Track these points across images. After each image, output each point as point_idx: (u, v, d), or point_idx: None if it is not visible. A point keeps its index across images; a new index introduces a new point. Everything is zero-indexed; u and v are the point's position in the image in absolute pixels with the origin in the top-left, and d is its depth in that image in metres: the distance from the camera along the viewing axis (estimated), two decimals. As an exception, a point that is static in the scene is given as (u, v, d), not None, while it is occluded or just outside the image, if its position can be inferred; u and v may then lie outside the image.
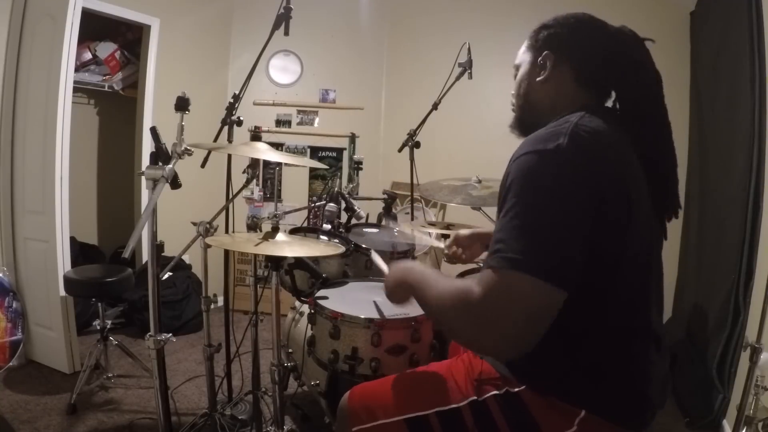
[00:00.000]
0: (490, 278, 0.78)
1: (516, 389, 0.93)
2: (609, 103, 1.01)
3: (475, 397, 0.98)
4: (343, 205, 2.22)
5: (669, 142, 0.97)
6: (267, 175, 3.86)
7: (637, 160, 0.90)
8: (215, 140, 1.94)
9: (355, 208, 2.20)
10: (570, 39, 0.99)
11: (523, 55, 1.07)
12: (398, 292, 1.09)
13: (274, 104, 3.84)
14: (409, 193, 2.51)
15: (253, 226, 1.82)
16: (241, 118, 1.93)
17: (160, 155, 1.18)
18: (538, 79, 1.02)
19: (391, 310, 1.50)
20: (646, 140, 0.93)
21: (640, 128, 0.93)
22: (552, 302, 0.77)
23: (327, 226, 2.12)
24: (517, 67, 1.09)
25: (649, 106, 0.94)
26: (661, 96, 0.95)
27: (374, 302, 1.58)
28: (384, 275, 1.19)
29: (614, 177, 0.83)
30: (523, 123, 1.08)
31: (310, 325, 1.63)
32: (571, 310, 0.82)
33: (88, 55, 3.38)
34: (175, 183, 1.17)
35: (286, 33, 1.84)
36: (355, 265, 1.96)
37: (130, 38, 3.52)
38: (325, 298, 1.60)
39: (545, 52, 1.01)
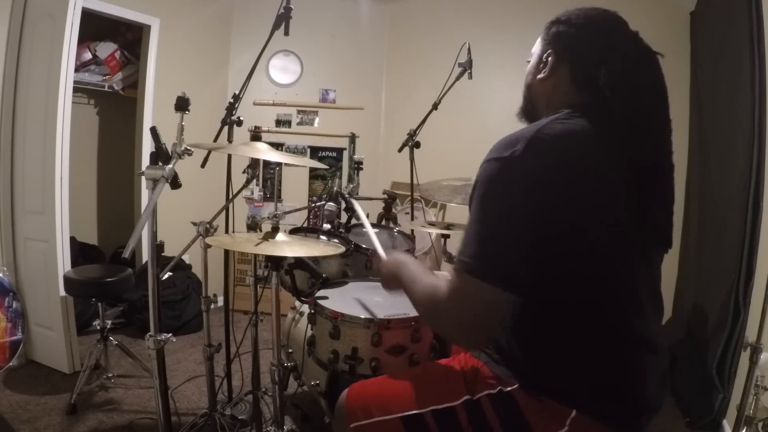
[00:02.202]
0: (453, 281, 0.89)
1: (509, 389, 0.93)
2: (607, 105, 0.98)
3: (470, 396, 0.98)
4: (343, 205, 2.22)
5: (666, 159, 0.95)
6: (267, 175, 3.86)
7: (612, 164, 0.88)
8: (215, 140, 1.95)
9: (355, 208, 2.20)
10: (575, 41, 0.98)
11: (536, 46, 1.08)
12: (392, 283, 1.18)
13: (274, 104, 3.84)
14: (409, 193, 2.51)
15: (253, 226, 1.82)
16: (241, 118, 1.93)
17: (160, 155, 1.18)
18: (539, 76, 1.03)
19: (388, 311, 1.50)
20: (636, 148, 0.90)
21: (633, 137, 0.90)
22: (498, 304, 0.86)
23: (327, 226, 2.12)
24: (533, 56, 1.09)
25: (649, 125, 0.92)
26: (664, 115, 0.94)
27: (360, 303, 1.57)
28: (377, 255, 1.34)
29: (572, 183, 0.83)
30: (527, 113, 1.11)
31: (310, 325, 1.63)
32: (565, 314, 0.82)
33: (88, 55, 3.38)
34: (175, 183, 1.17)
35: (286, 33, 1.85)
36: (355, 265, 1.96)
37: (130, 38, 3.52)
38: (325, 298, 1.60)
39: (549, 50, 1.01)
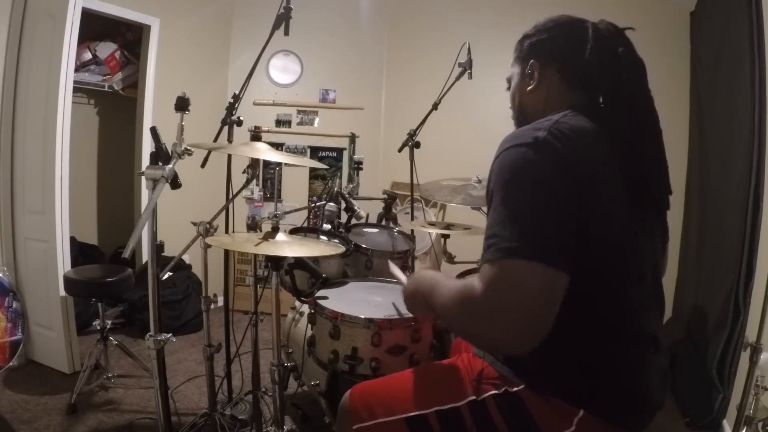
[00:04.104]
0: (488, 271, 0.78)
1: (515, 389, 0.93)
2: (599, 100, 1.01)
3: (474, 397, 0.98)
4: (343, 205, 2.22)
5: (655, 131, 0.97)
6: (267, 175, 3.86)
7: (617, 161, 0.89)
8: (215, 140, 1.95)
9: (355, 208, 2.20)
10: (552, 43, 1.02)
11: (512, 68, 1.11)
12: (416, 303, 1.10)
13: (274, 104, 3.85)
14: (409, 193, 2.51)
15: (253, 226, 1.82)
16: (241, 118, 1.93)
17: (160, 155, 1.18)
18: (528, 88, 1.05)
19: (388, 311, 1.50)
20: (630, 132, 0.92)
21: (625, 119, 0.93)
22: (553, 285, 0.77)
23: (327, 226, 2.12)
24: (509, 80, 1.12)
25: (632, 94, 0.94)
26: (644, 84, 0.96)
27: (360, 303, 1.57)
28: (402, 284, 1.21)
29: (588, 175, 0.84)
30: None
31: (310, 325, 1.63)
32: (570, 311, 0.82)
33: (88, 55, 3.38)
34: (175, 183, 1.17)
35: (286, 33, 1.85)
36: (355, 265, 1.96)
37: (130, 38, 3.52)
38: (325, 298, 1.60)
39: (531, 61, 1.04)
